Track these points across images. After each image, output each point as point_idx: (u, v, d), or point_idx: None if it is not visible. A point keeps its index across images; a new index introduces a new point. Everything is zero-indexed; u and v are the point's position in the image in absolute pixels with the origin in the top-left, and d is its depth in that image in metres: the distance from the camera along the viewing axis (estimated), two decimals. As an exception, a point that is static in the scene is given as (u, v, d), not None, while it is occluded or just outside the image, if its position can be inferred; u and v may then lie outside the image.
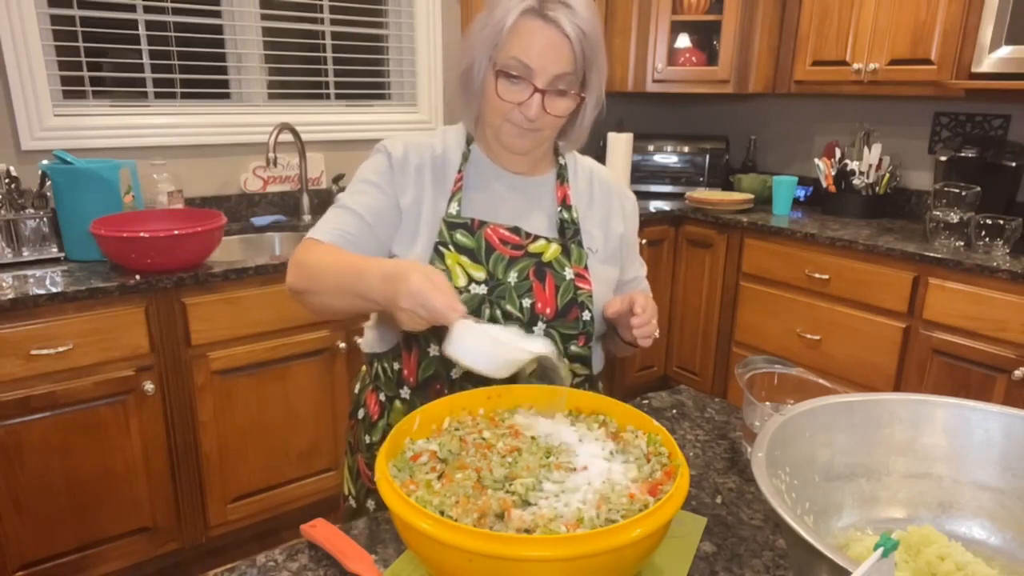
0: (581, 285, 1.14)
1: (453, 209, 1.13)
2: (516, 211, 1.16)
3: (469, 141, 1.18)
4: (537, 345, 0.97)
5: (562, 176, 1.21)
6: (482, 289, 1.09)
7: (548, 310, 1.11)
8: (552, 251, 1.14)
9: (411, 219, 1.13)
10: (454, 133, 1.20)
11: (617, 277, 1.25)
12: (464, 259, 1.10)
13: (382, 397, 1.20)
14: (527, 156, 1.16)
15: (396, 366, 1.16)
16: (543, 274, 1.12)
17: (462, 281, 1.08)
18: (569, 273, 1.14)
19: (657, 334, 1.11)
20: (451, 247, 1.10)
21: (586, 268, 1.16)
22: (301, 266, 1.06)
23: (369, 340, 1.22)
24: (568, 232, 1.17)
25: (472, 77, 1.09)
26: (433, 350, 1.11)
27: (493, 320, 1.08)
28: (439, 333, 1.09)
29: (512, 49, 1.03)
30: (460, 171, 1.15)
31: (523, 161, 1.17)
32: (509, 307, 1.09)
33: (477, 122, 1.16)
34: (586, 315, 1.13)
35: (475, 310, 1.07)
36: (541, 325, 1.11)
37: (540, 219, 1.17)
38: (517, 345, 0.93)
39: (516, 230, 1.14)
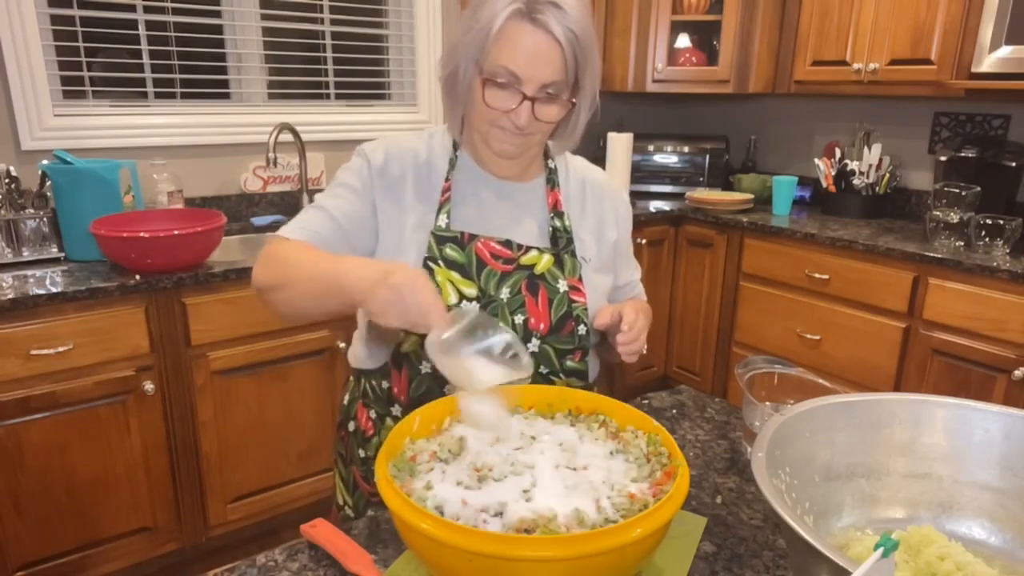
0: (576, 298, 1.10)
1: (442, 221, 1.07)
2: (506, 220, 1.12)
3: (456, 146, 1.13)
4: (513, 373, 0.88)
5: (552, 181, 1.17)
6: (474, 306, 1.05)
7: (542, 325, 1.08)
8: (545, 262, 1.10)
9: (393, 232, 1.08)
10: (440, 136, 1.14)
11: (611, 285, 1.21)
12: (454, 275, 1.05)
13: (372, 414, 1.17)
14: (516, 160, 1.11)
15: (385, 384, 1.13)
16: (535, 287, 1.09)
17: (453, 298, 1.04)
18: (563, 285, 1.10)
19: (644, 350, 1.08)
20: (440, 262, 1.06)
21: (580, 279, 1.12)
22: (271, 260, 1.01)
23: (357, 355, 1.18)
24: (560, 241, 1.13)
25: (457, 82, 1.04)
26: (425, 367, 1.08)
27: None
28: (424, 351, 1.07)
29: (499, 56, 0.98)
30: (448, 179, 1.10)
31: (512, 166, 1.12)
32: (501, 324, 1.07)
33: (464, 126, 1.11)
34: (581, 329, 1.10)
35: None
36: (535, 341, 1.08)
37: (531, 227, 1.13)
38: (491, 374, 0.86)
39: (508, 243, 1.09)
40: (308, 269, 0.97)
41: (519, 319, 1.07)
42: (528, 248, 1.11)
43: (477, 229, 1.10)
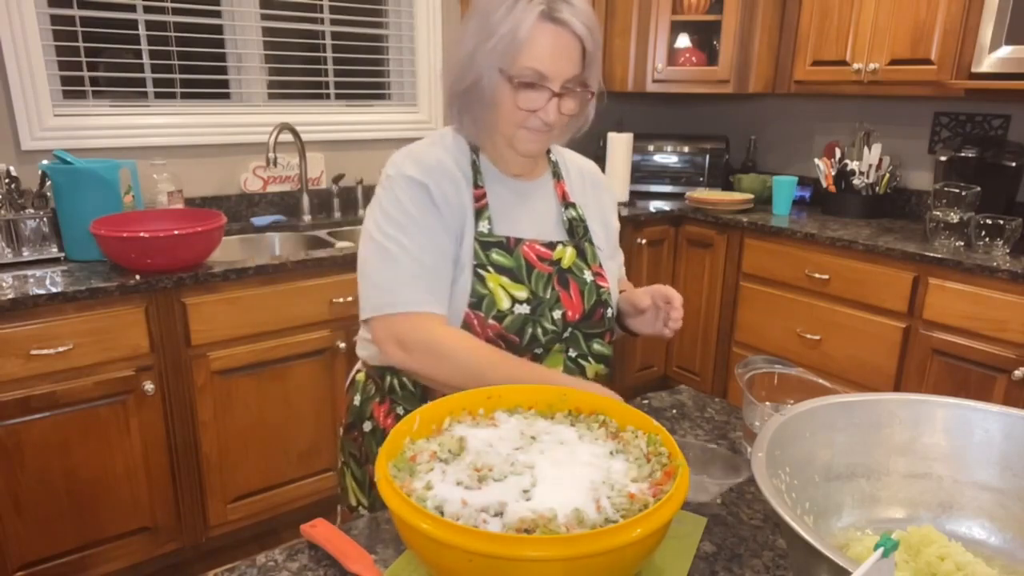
0: (602, 284, 1.15)
1: (483, 228, 1.09)
2: (532, 217, 1.15)
3: (473, 149, 1.14)
4: None
5: (557, 174, 1.21)
6: (525, 308, 1.07)
7: (576, 315, 1.12)
8: (569, 255, 1.14)
9: (455, 246, 1.10)
10: (452, 140, 1.15)
11: (617, 268, 1.28)
12: (504, 279, 1.08)
13: (399, 411, 1.16)
14: (536, 158, 1.15)
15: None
16: (566, 280, 1.13)
17: (506, 304, 1.07)
18: (588, 275, 1.15)
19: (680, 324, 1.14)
20: (490, 268, 1.07)
21: (601, 266, 1.17)
22: (446, 360, 1.01)
23: (375, 354, 1.17)
24: (578, 231, 1.17)
25: (481, 90, 1.05)
26: None
27: (534, 338, 1.08)
28: None
29: (526, 58, 1.01)
30: (479, 186, 1.12)
31: (530, 163, 1.16)
32: (546, 323, 1.09)
33: (485, 132, 1.12)
34: (609, 312, 1.15)
35: (518, 330, 1.07)
36: (569, 330, 1.12)
37: (548, 221, 1.17)
38: None
39: (550, 244, 1.13)
40: (501, 375, 0.99)
41: (558, 314, 1.11)
42: (554, 244, 1.14)
43: (515, 231, 1.13)
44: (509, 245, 1.10)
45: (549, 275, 1.11)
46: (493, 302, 1.06)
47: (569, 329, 1.12)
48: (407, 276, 1.04)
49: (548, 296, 1.10)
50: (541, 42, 1.00)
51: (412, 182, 1.07)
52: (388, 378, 1.18)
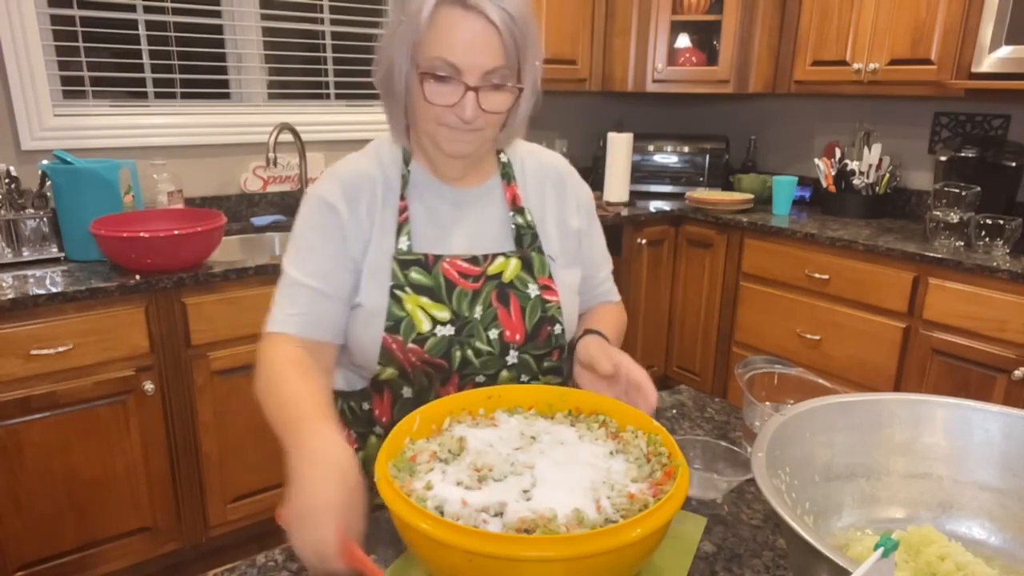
0: (549, 298, 1.06)
1: (403, 244, 1.01)
2: (468, 229, 1.07)
3: (406, 159, 1.07)
4: None
5: (508, 175, 1.11)
6: (449, 330, 1.00)
7: (518, 336, 1.04)
8: (512, 268, 1.05)
9: (358, 263, 1.02)
10: (388, 150, 1.08)
11: (580, 278, 1.15)
12: (424, 300, 1.00)
13: (353, 433, 1.12)
14: (470, 159, 1.04)
15: (366, 406, 1.09)
16: (506, 297, 1.04)
17: (426, 326, 0.99)
18: (533, 290, 1.05)
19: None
20: (408, 288, 1.00)
21: (551, 277, 1.08)
22: (259, 373, 0.94)
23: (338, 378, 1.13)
24: (526, 239, 1.08)
25: (393, 80, 0.97)
26: (407, 392, 1.05)
27: (465, 362, 1.02)
28: (409, 378, 1.03)
29: (434, 47, 0.91)
30: (403, 198, 1.04)
31: (467, 165, 1.05)
32: (478, 344, 1.02)
33: (410, 131, 1.04)
34: (557, 329, 1.06)
35: (443, 353, 1.01)
36: (513, 353, 1.05)
37: (494, 229, 1.08)
38: None
39: (474, 259, 1.04)
40: (273, 412, 0.93)
41: (494, 334, 1.03)
42: (494, 256, 1.06)
43: (440, 246, 1.04)
44: (428, 263, 1.01)
45: (475, 292, 1.02)
46: (412, 325, 0.98)
47: (513, 353, 1.04)
48: (287, 298, 1.01)
49: (478, 315, 1.02)
50: (450, 29, 0.90)
51: (320, 202, 1.02)
52: (339, 401, 1.12)
